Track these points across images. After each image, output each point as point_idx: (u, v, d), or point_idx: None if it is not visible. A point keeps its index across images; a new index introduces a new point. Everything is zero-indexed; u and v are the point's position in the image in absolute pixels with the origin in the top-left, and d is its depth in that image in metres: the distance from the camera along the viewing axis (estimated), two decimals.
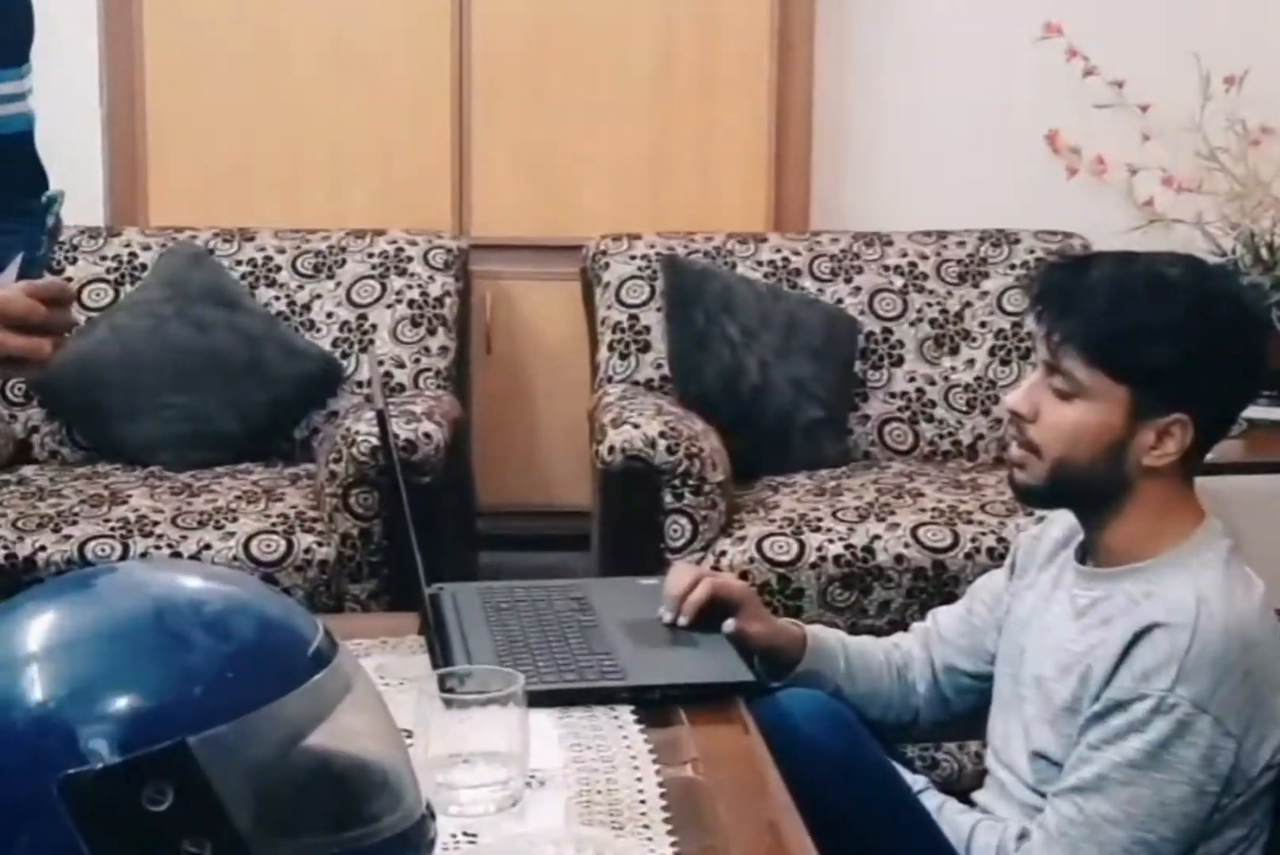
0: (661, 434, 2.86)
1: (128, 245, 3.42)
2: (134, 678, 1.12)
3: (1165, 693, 1.57)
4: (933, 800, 1.75)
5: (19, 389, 3.24)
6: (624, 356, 3.31)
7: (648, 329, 3.31)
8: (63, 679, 1.12)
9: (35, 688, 1.11)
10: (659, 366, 3.29)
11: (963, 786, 1.95)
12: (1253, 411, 2.68)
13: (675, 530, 2.86)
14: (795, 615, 2.61)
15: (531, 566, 3.35)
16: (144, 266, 3.38)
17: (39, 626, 1.15)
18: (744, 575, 2.75)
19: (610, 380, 3.29)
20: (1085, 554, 1.71)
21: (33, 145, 1.86)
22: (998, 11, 3.56)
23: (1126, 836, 1.57)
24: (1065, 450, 1.64)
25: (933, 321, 3.39)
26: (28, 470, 3.18)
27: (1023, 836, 1.66)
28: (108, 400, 3.21)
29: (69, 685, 1.11)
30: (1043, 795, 1.67)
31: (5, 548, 2.78)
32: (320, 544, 2.85)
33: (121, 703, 1.10)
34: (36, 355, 1.62)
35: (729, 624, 1.84)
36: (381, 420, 2.07)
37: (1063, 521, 1.77)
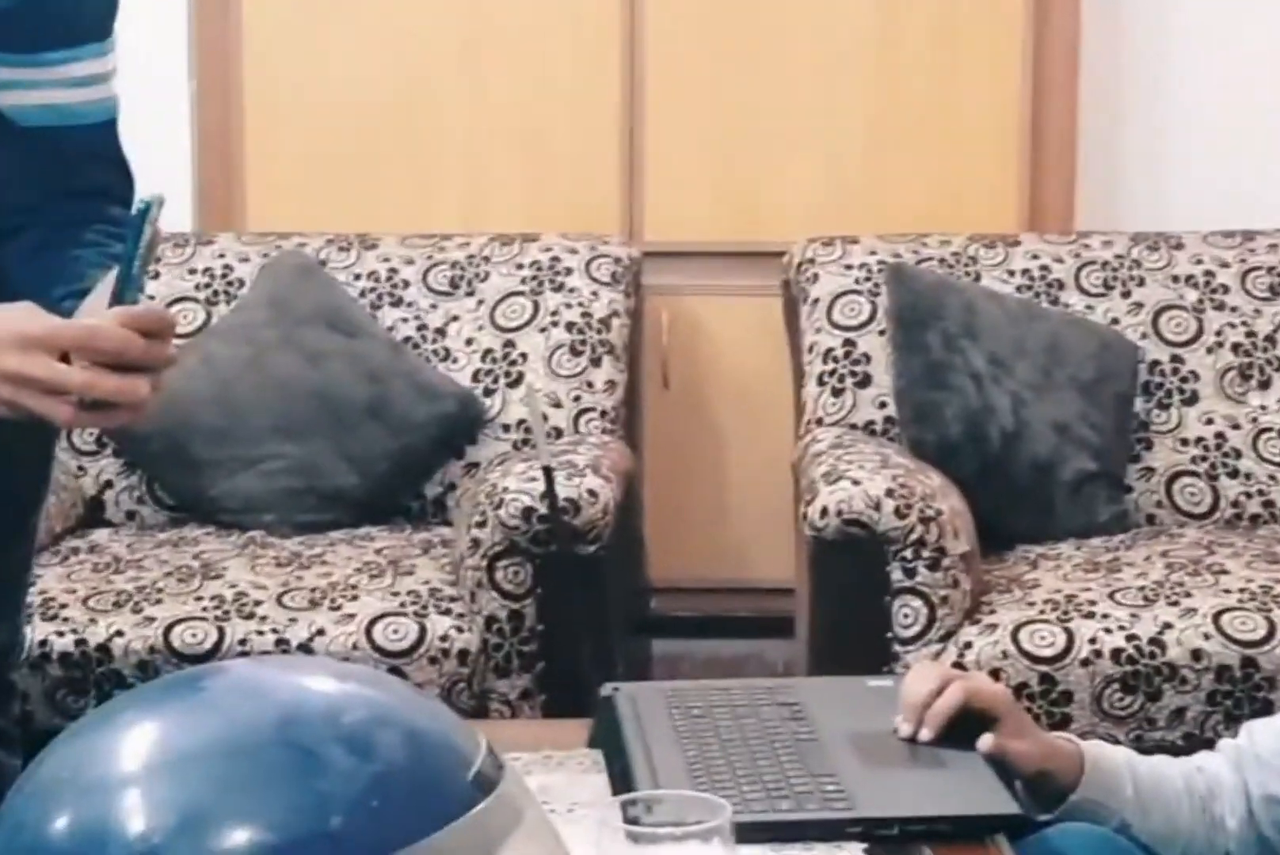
0: (889, 492, 2.89)
1: (221, 256, 3.52)
2: (256, 805, 1.14)
3: None
4: None
5: (90, 435, 3.34)
6: (838, 392, 3.38)
7: (868, 357, 3.37)
8: (169, 806, 1.14)
9: (136, 817, 1.14)
10: (883, 405, 3.34)
11: None
12: None
13: (906, 615, 2.90)
14: (1061, 726, 2.64)
15: (720, 658, 3.54)
16: (241, 281, 3.48)
17: (139, 741, 1.19)
18: (995, 674, 2.77)
19: (820, 423, 3.34)
20: None
21: (117, 138, 1.97)
22: None
23: None
24: None
25: (1236, 347, 3.40)
26: (101, 535, 3.28)
27: None
28: (198, 449, 3.31)
29: (177, 814, 1.14)
30: None
31: (75, 632, 2.87)
32: (460, 629, 2.92)
33: (241, 837, 1.12)
34: (132, 399, 1.69)
35: (986, 740, 1.83)
36: (548, 477, 2.27)
37: None
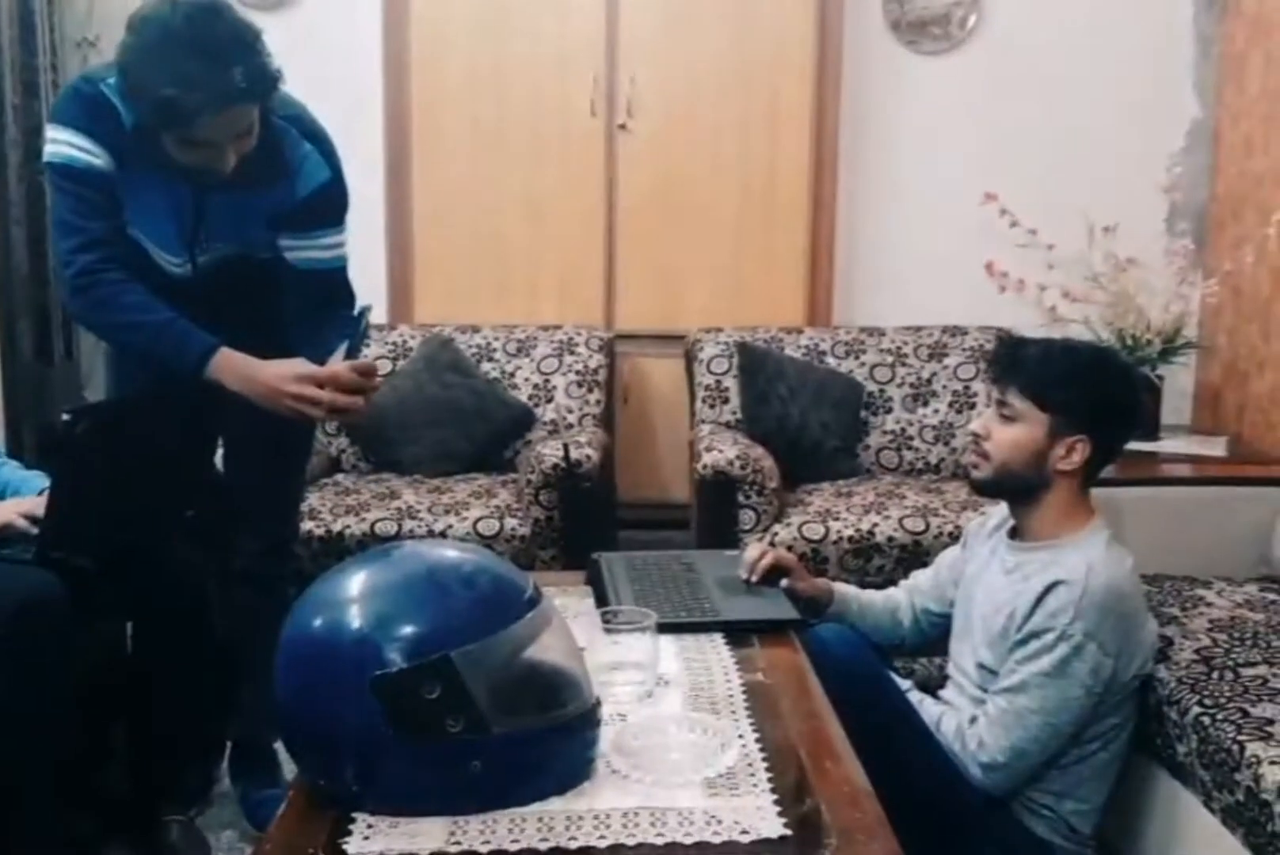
0: (737, 456, 2.94)
1: (401, 336, 3.57)
2: (417, 614, 1.14)
3: (1066, 626, 1.65)
4: (914, 696, 1.85)
5: (333, 426, 3.43)
6: (712, 406, 3.40)
7: (727, 389, 3.42)
8: (373, 614, 1.16)
9: (357, 620, 1.15)
10: (735, 413, 3.39)
11: (932, 686, 1.90)
12: (1132, 444, 2.75)
13: (746, 518, 2.91)
14: (823, 575, 2.64)
15: (652, 541, 3.42)
16: (411, 349, 3.54)
17: (358, 581, 1.21)
18: (790, 548, 2.80)
19: (703, 422, 3.41)
20: (1014, 534, 1.86)
21: (347, 275, 2.04)
22: (954, 184, 3.85)
23: (1040, 721, 1.67)
24: (1006, 456, 1.76)
25: (912, 385, 3.51)
26: (339, 477, 3.43)
27: (973, 721, 1.74)
28: (389, 432, 3.39)
29: (377, 618, 1.15)
30: (985, 691, 1.75)
31: (325, 526, 2.98)
32: (520, 525, 2.93)
33: (409, 630, 1.13)
34: (356, 409, 1.82)
35: (784, 582, 1.91)
36: (565, 449, 2.42)
37: (998, 513, 1.92)
